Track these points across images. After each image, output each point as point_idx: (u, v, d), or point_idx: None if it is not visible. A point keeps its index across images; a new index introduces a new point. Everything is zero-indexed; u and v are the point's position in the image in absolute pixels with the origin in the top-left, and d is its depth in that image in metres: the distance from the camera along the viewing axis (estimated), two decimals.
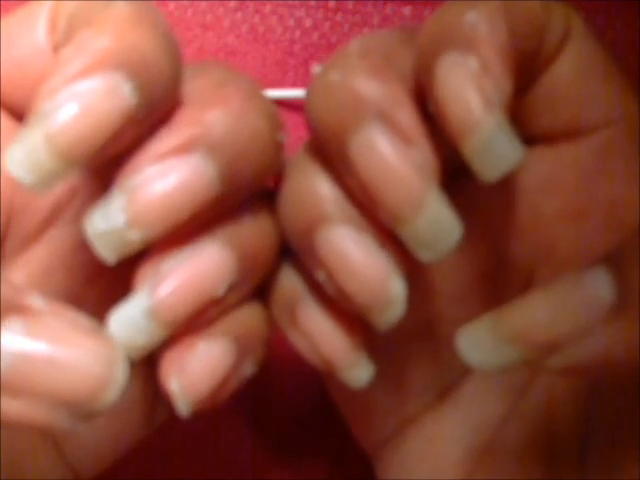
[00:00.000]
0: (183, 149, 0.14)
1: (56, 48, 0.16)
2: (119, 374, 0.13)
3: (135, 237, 0.14)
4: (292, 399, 0.24)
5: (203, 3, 0.24)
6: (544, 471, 0.17)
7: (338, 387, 0.19)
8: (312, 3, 0.25)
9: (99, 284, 0.18)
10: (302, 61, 0.25)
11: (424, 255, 0.14)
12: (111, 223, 0.14)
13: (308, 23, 0.25)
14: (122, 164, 0.14)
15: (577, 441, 0.17)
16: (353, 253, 0.14)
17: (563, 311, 0.13)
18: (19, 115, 0.16)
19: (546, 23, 0.15)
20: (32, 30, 0.16)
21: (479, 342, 0.14)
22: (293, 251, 0.16)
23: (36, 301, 0.13)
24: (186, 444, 0.23)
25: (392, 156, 0.14)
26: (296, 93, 0.24)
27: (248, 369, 0.16)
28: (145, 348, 0.15)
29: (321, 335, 0.16)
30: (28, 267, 0.17)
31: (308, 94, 0.15)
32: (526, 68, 0.15)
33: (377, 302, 0.14)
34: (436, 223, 0.14)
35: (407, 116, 0.14)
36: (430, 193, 0.14)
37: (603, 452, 0.17)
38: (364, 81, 0.14)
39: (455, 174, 0.16)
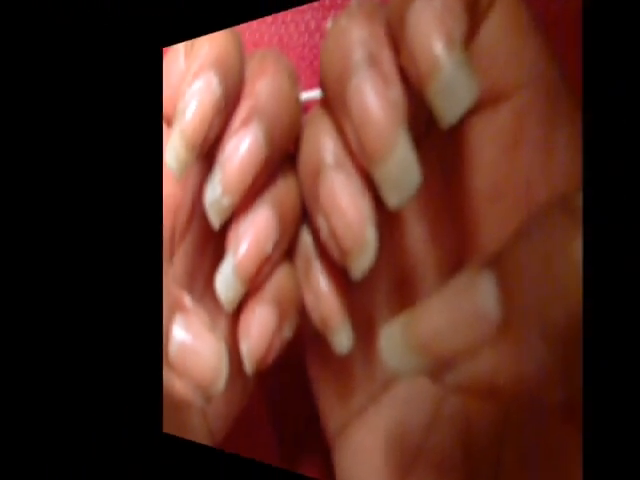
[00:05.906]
0: (246, 120, 0.17)
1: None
2: (226, 366, 0.16)
3: (227, 203, 0.17)
4: (292, 399, 0.24)
5: None
6: None
7: (314, 373, 0.20)
8: (314, 4, 0.25)
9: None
10: (308, 63, 0.25)
11: (392, 199, 0.15)
12: (215, 194, 0.17)
13: (312, 25, 0.25)
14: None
15: (493, 460, 0.17)
16: (341, 195, 0.15)
17: (458, 320, 0.12)
18: None
19: None
20: (176, 61, 0.19)
21: (394, 346, 0.13)
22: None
23: (188, 301, 0.16)
24: None
25: (373, 97, 0.15)
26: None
27: (287, 333, 0.18)
28: (234, 303, 0.17)
29: (323, 293, 0.17)
30: (185, 255, 0.20)
31: (321, 48, 0.16)
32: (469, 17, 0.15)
33: (355, 245, 0.15)
34: (403, 164, 0.14)
35: (387, 54, 0.15)
36: (400, 133, 0.14)
37: (517, 474, 0.16)
38: (360, 26, 0.15)
39: None
